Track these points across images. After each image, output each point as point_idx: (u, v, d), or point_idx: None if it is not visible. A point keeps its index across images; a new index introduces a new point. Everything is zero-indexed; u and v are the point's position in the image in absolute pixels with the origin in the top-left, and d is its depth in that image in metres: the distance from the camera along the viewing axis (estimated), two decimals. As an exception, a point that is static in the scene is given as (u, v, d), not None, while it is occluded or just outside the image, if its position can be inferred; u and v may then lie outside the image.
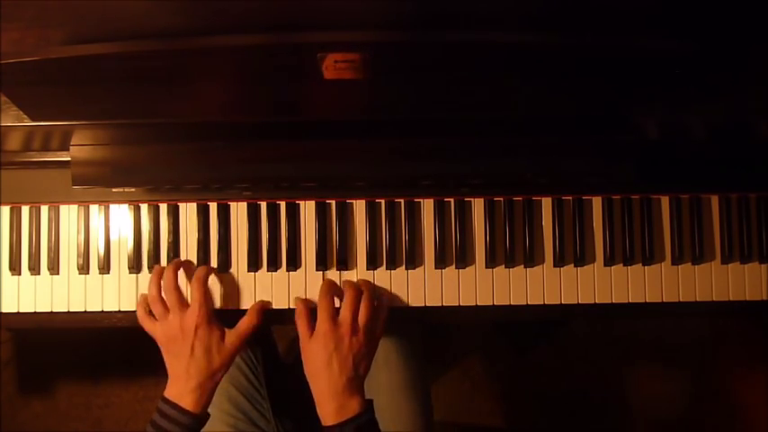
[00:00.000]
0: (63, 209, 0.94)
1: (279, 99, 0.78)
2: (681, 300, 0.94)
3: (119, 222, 0.93)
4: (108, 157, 0.84)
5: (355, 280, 0.92)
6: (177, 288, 0.86)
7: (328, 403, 0.81)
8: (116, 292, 0.93)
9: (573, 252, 0.94)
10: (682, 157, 0.94)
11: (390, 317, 0.91)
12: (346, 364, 0.81)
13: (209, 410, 0.88)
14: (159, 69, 0.69)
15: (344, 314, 0.84)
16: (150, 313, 0.87)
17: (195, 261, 0.92)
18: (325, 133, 0.84)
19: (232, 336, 0.85)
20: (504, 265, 0.93)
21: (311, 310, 0.88)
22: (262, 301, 0.91)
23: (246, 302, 0.92)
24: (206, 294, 0.86)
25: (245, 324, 0.87)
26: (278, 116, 0.80)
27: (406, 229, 0.93)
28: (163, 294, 0.86)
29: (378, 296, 0.90)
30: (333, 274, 0.93)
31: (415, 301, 0.93)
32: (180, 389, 0.83)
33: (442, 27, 0.67)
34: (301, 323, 0.86)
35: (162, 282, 0.87)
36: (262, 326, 0.89)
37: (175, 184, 0.87)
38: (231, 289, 0.92)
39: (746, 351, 1.63)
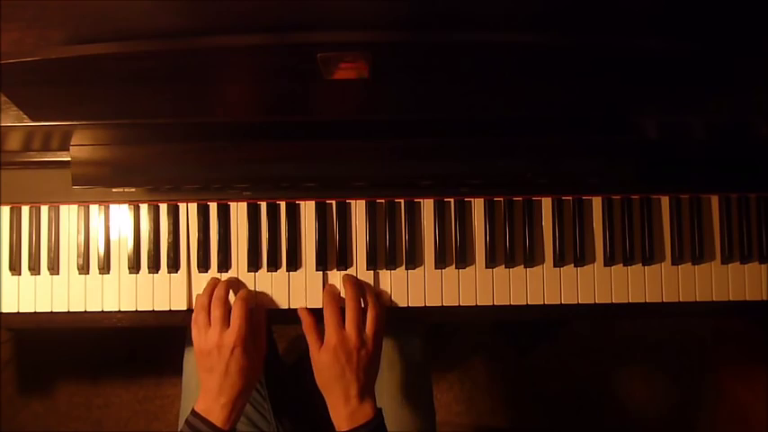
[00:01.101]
0: (63, 209, 0.94)
1: (279, 99, 0.78)
2: (681, 300, 0.94)
3: (119, 222, 0.93)
4: (108, 157, 0.84)
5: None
6: (226, 303, 0.86)
7: (342, 410, 0.82)
8: (116, 293, 0.93)
9: (573, 252, 0.94)
10: (682, 157, 0.94)
11: (392, 317, 0.91)
12: (358, 373, 0.83)
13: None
14: (159, 69, 0.69)
15: (350, 328, 0.84)
16: None
17: (195, 261, 0.93)
18: (325, 133, 0.84)
19: (261, 357, 0.87)
20: (504, 265, 0.93)
21: (318, 320, 0.88)
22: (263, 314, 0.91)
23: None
24: (248, 315, 0.85)
25: (261, 341, 0.89)
26: (278, 116, 0.80)
27: (406, 229, 0.93)
28: (211, 306, 0.86)
29: (378, 298, 0.90)
30: (333, 275, 0.93)
31: (415, 301, 0.93)
32: (210, 403, 0.83)
33: (443, 27, 0.67)
34: (311, 335, 0.86)
35: (214, 293, 0.87)
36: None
37: (175, 184, 0.87)
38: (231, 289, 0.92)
39: (746, 351, 1.63)
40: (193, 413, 0.83)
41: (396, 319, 0.92)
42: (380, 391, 1.00)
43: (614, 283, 0.94)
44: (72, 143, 0.84)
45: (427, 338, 1.07)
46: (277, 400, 1.05)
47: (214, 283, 0.90)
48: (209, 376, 0.84)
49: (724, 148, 0.95)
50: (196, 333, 0.86)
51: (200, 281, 0.92)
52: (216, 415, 0.82)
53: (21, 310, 0.93)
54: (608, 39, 0.68)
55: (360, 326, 0.85)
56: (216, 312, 0.85)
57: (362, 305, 0.88)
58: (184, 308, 0.92)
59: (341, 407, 0.82)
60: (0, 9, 0.65)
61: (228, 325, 0.84)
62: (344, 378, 0.82)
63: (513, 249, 0.93)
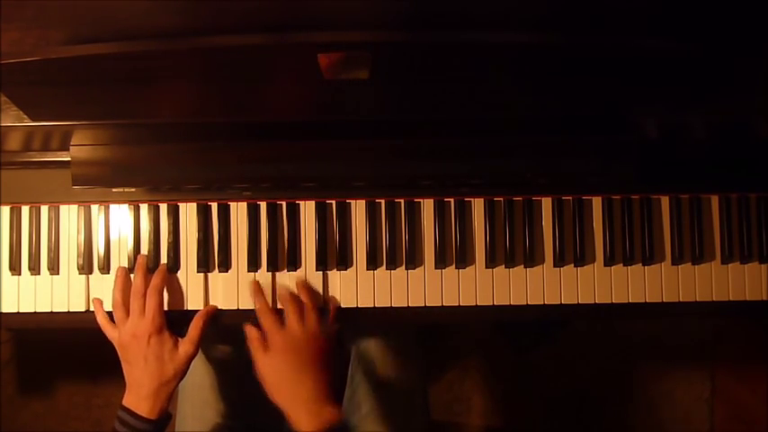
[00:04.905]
0: (63, 209, 0.93)
1: (279, 99, 0.78)
2: (681, 300, 0.94)
3: (119, 222, 0.93)
4: (108, 157, 0.84)
5: (354, 279, 0.92)
6: (145, 295, 0.86)
7: (304, 416, 0.79)
8: (116, 292, 0.92)
9: (573, 252, 0.94)
10: (682, 157, 0.94)
11: (388, 317, 0.92)
12: (311, 370, 0.82)
13: (210, 413, 0.88)
14: (159, 69, 0.69)
15: (292, 323, 0.84)
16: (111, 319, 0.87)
17: (195, 261, 0.92)
18: (325, 133, 0.84)
19: (185, 344, 0.85)
20: (504, 265, 0.93)
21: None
22: (208, 306, 0.90)
23: (247, 303, 0.92)
24: (161, 304, 0.85)
25: (194, 332, 0.87)
26: (278, 116, 0.80)
27: (406, 229, 0.93)
28: (131, 298, 0.86)
29: (322, 298, 0.91)
30: (333, 275, 0.93)
31: (415, 301, 0.93)
32: (135, 396, 0.83)
33: (443, 27, 0.67)
34: (256, 345, 0.85)
35: (132, 287, 0.87)
36: (212, 330, 0.90)
37: (175, 184, 0.87)
38: (231, 289, 0.92)
39: (746, 351, 1.63)
40: (121, 407, 0.83)
41: (392, 319, 0.93)
42: (374, 389, 1.00)
43: (614, 283, 0.94)
44: (72, 143, 0.84)
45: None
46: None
47: (123, 275, 0.89)
48: (130, 369, 0.84)
49: (724, 148, 0.95)
50: (115, 331, 0.85)
51: (200, 281, 0.92)
52: (142, 406, 0.82)
53: (21, 310, 0.93)
54: (608, 39, 0.68)
55: (301, 320, 0.85)
56: (134, 305, 0.85)
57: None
58: (184, 308, 0.92)
59: (302, 412, 0.79)
60: (0, 9, 0.65)
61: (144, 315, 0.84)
62: (299, 377, 0.81)
63: (513, 249, 0.93)
